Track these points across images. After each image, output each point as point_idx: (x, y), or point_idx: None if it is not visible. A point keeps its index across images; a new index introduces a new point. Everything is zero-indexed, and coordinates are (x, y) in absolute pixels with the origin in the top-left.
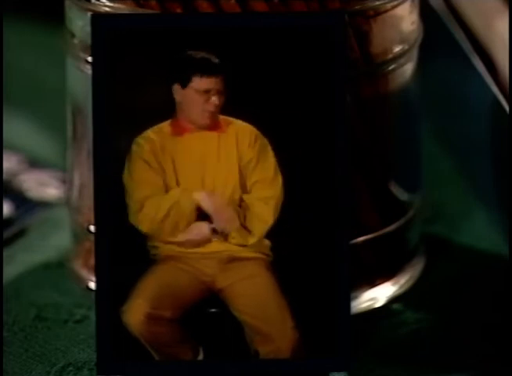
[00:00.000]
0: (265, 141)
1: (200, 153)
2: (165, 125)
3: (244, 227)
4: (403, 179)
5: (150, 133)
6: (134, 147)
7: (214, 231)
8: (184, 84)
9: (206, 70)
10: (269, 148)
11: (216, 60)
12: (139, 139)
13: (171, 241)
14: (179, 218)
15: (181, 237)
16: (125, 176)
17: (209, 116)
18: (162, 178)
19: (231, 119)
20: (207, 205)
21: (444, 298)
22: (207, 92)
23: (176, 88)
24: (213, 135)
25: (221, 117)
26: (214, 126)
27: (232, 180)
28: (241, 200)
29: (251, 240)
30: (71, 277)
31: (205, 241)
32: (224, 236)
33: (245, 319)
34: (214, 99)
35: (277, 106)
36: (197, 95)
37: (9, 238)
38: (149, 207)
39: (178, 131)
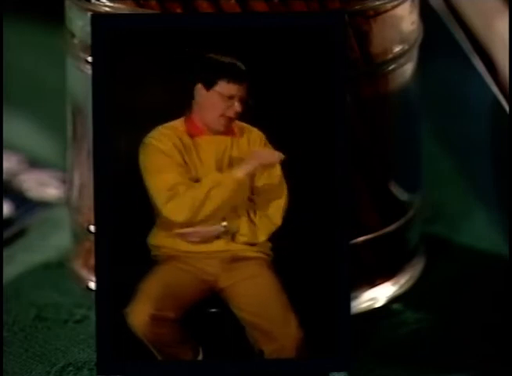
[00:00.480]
0: (271, 147)
1: (216, 156)
2: (178, 123)
3: (254, 225)
4: (403, 179)
5: (164, 130)
6: (153, 142)
7: (225, 229)
8: (209, 86)
9: (234, 75)
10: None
11: (243, 67)
12: (156, 135)
13: (178, 233)
14: (220, 200)
15: (191, 228)
16: (145, 171)
17: (225, 122)
18: (186, 170)
19: (243, 124)
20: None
21: (444, 298)
22: (230, 97)
23: (199, 88)
24: (227, 139)
25: (234, 123)
26: (227, 131)
27: (243, 184)
28: (250, 200)
29: (261, 238)
30: (71, 277)
31: (213, 238)
32: (232, 234)
33: (247, 319)
34: (237, 106)
35: (277, 106)
36: (220, 99)
37: (9, 238)
38: (183, 195)
39: (193, 131)
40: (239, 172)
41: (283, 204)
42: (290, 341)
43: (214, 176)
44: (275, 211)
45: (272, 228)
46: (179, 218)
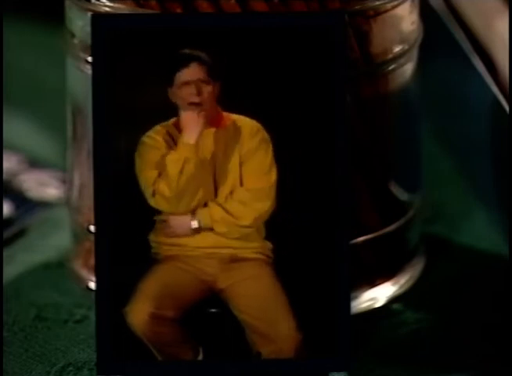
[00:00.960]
0: (267, 136)
1: (205, 149)
2: (172, 121)
3: (229, 214)
4: (403, 179)
5: (159, 127)
6: (146, 140)
7: (198, 227)
8: (170, 83)
9: (181, 62)
10: (270, 143)
11: (190, 51)
12: (150, 133)
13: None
14: (188, 172)
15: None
16: (138, 167)
17: (196, 109)
18: None
19: (234, 115)
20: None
21: (444, 298)
22: (187, 83)
23: (168, 90)
24: (212, 131)
25: (224, 114)
26: (214, 122)
27: (233, 174)
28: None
29: (243, 223)
30: (71, 277)
31: (189, 230)
32: (209, 229)
33: (246, 320)
34: (191, 89)
35: (277, 106)
36: (180, 89)
37: (9, 238)
38: (159, 183)
39: (181, 125)
40: (189, 138)
41: (266, 193)
42: (288, 343)
43: (172, 156)
44: (253, 198)
45: (252, 212)
46: (164, 207)
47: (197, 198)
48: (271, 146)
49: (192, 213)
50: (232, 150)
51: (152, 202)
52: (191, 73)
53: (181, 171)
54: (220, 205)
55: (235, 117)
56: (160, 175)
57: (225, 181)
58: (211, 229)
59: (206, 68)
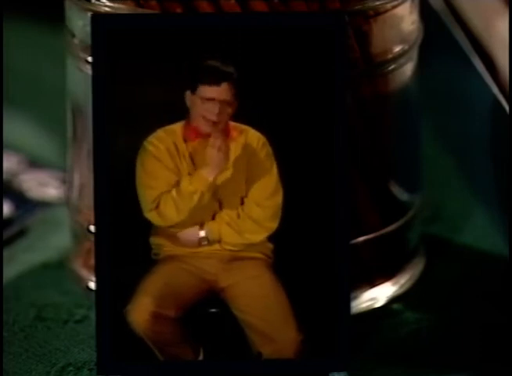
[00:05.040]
0: (270, 151)
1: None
2: (177, 127)
3: (236, 230)
4: (403, 179)
5: (163, 133)
6: (149, 147)
7: (206, 239)
8: (193, 90)
9: (212, 78)
10: (273, 158)
11: (224, 69)
12: (153, 140)
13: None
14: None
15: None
16: (139, 175)
17: (210, 125)
18: (175, 174)
19: (242, 126)
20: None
21: (444, 298)
22: (210, 100)
23: (187, 93)
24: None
25: (232, 125)
26: (223, 133)
27: (239, 187)
28: (242, 202)
29: (252, 240)
30: (71, 277)
31: (197, 243)
32: (217, 242)
33: (246, 320)
34: (216, 108)
35: (277, 106)
36: (202, 102)
37: (9, 238)
38: (165, 204)
39: (188, 135)
40: (209, 175)
41: (275, 210)
42: (289, 343)
43: (188, 187)
44: (263, 215)
45: (261, 230)
46: (159, 224)
47: (200, 220)
48: (275, 163)
49: (201, 226)
50: (240, 164)
51: (148, 215)
52: (219, 92)
53: (195, 206)
54: (229, 222)
55: (239, 126)
56: (168, 192)
57: (233, 194)
58: (218, 242)
59: (235, 90)
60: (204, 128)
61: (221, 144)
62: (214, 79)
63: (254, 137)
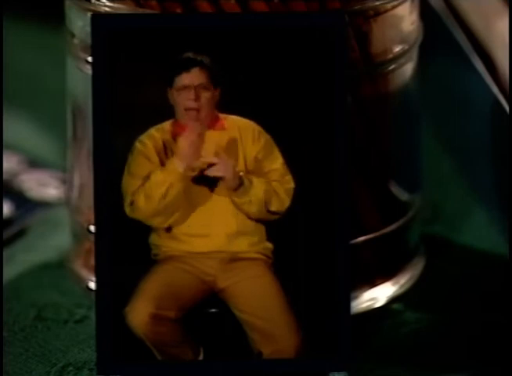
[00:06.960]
0: (269, 137)
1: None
2: (167, 125)
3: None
4: (403, 179)
5: (154, 132)
6: (138, 145)
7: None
8: (170, 85)
9: (183, 66)
10: (274, 144)
11: (195, 57)
12: (143, 138)
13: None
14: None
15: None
16: (125, 173)
17: (193, 114)
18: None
19: (231, 116)
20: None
21: (444, 298)
22: (185, 88)
23: (168, 90)
24: (211, 133)
25: (222, 116)
26: (212, 125)
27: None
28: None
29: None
30: (71, 277)
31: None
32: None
33: (246, 320)
34: (189, 94)
35: (277, 107)
36: (178, 93)
37: (8, 238)
38: (138, 196)
39: (177, 131)
40: (179, 166)
41: (291, 190)
42: (289, 343)
43: (157, 176)
44: (283, 191)
45: (279, 204)
46: (139, 218)
47: (173, 219)
48: (277, 148)
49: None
50: (237, 154)
51: (127, 210)
52: (191, 77)
53: (164, 196)
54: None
55: (232, 117)
56: (142, 185)
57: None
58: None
59: (208, 73)
60: (188, 121)
61: (195, 137)
62: (184, 67)
63: (247, 125)
